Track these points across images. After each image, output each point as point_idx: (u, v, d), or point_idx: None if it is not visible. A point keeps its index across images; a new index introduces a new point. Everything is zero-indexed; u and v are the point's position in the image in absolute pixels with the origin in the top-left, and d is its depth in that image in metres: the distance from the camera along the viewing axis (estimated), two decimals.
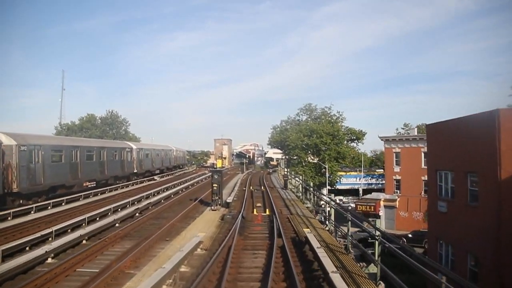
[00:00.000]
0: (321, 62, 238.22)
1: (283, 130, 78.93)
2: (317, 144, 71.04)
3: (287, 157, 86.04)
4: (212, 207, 21.80)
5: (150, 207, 23.88)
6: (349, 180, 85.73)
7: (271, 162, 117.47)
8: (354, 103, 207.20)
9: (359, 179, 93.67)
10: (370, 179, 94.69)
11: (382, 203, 56.76)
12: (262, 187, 34.44)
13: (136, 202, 24.68)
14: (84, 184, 28.63)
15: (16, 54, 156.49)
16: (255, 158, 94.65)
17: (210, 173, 57.73)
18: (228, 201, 23.57)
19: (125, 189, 33.38)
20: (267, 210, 21.63)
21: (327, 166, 65.69)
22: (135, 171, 41.39)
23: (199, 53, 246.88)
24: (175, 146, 68.85)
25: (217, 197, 22.49)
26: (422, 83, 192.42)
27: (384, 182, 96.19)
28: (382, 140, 58.42)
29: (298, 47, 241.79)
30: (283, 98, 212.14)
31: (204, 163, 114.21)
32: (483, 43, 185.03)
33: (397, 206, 55.84)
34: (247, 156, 76.03)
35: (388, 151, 57.24)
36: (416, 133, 55.73)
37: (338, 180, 76.02)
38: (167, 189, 33.69)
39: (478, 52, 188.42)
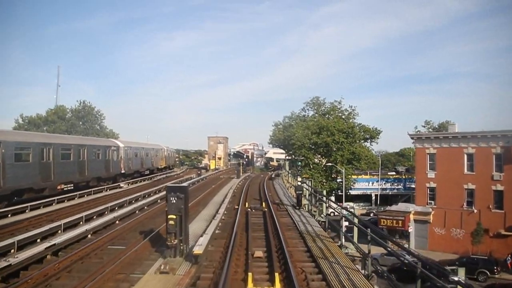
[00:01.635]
0: (320, 62, 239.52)
1: (287, 126, 67.64)
2: (328, 143, 59.84)
3: (290, 157, 74.96)
4: (162, 266, 10.45)
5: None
6: (360, 184, 74.83)
7: (271, 163, 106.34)
8: (353, 103, 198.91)
9: (372, 183, 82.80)
10: (384, 183, 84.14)
11: (412, 216, 45.67)
12: (263, 204, 23.17)
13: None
14: (59, 187, 25.51)
15: (15, 53, 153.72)
16: (254, 158, 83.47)
17: (198, 176, 46.75)
18: (196, 251, 11.80)
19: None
20: (276, 273, 10.11)
21: (343, 170, 54.45)
22: (123, 171, 37.62)
23: (198, 53, 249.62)
24: (166, 145, 62.47)
25: (176, 241, 11.27)
26: (421, 84, 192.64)
27: (399, 187, 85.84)
28: (412, 138, 47.30)
29: (297, 47, 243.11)
30: (283, 98, 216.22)
31: (198, 164, 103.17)
32: (482, 44, 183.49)
33: (430, 221, 44.75)
34: (245, 156, 64.97)
35: (420, 151, 46.06)
36: (456, 130, 44.54)
37: (352, 186, 64.75)
38: (125, 204, 22.98)
39: (478, 53, 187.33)
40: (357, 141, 63.23)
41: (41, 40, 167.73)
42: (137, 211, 21.61)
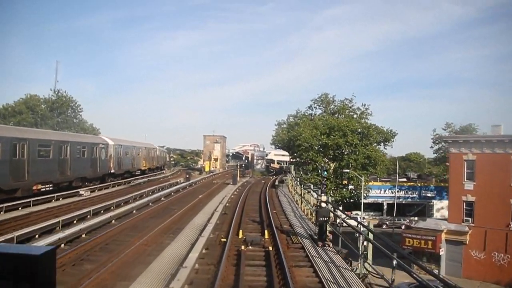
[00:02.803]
0: (321, 64, 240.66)
1: (293, 125, 59.66)
2: (339, 145, 51.85)
3: (295, 160, 67.03)
4: None
5: None
6: (371, 192, 67.03)
7: (272, 165, 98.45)
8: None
9: (384, 191, 74.77)
10: (398, 191, 76.25)
11: (443, 236, 37.64)
12: (266, 233, 15.19)
13: None
14: (34, 188, 23.22)
15: (15, 50, 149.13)
16: (255, 160, 75.50)
17: (186, 181, 38.64)
18: None
19: None
20: None
21: (359, 176, 46.59)
22: (112, 171, 35.49)
23: (199, 52, 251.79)
24: (162, 144, 63.50)
25: None
26: (423, 88, 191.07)
27: (414, 195, 77.86)
28: (445, 142, 39.33)
29: (298, 49, 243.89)
30: (284, 100, 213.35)
31: (194, 165, 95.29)
32: (484, 50, 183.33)
33: (467, 242, 36.70)
34: (243, 157, 57.13)
35: (456, 158, 37.95)
36: (502, 132, 36.38)
37: (366, 194, 56.71)
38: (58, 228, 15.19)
39: (480, 59, 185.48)
40: (372, 144, 55.28)
41: (42, 38, 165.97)
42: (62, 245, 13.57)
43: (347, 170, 49.25)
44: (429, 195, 78.59)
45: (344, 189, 54.80)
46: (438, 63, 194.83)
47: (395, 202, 69.09)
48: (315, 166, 53.69)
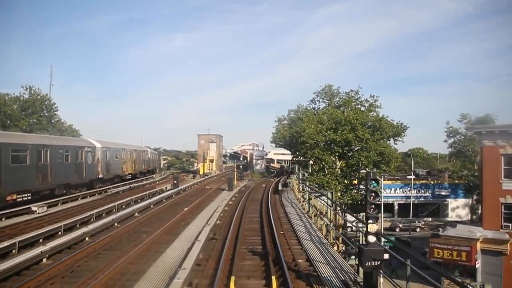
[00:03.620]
0: (319, 63, 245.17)
1: (295, 120, 53.79)
2: (349, 140, 46.05)
3: (297, 159, 61.27)
4: None
5: None
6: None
7: (272, 164, 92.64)
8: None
9: (395, 190, 69.03)
10: (409, 190, 70.61)
11: (479, 245, 31.87)
12: (275, 285, 9.24)
13: None
14: (9, 198, 20.72)
15: (14, 54, 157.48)
16: (254, 160, 69.65)
17: (173, 187, 32.54)
18: None
19: None
20: None
21: (382, 180, 40.79)
22: (100, 176, 33.52)
23: (197, 54, 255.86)
24: (157, 146, 58.65)
25: None
26: (420, 85, 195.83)
27: (427, 194, 72.13)
28: (477, 133, 33.49)
29: (297, 48, 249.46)
30: (283, 99, 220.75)
31: (190, 167, 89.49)
32: (480, 45, 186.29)
33: (507, 253, 30.96)
34: (241, 157, 51.31)
35: (491, 152, 32.08)
36: None
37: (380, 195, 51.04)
38: None
39: (476, 54, 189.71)
40: (385, 139, 49.47)
41: (40, 42, 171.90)
42: None
43: (363, 170, 43.35)
44: (443, 193, 72.80)
45: (355, 191, 49.04)
46: (434, 59, 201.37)
47: (407, 202, 63.37)
48: (321, 165, 47.86)
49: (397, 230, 61.36)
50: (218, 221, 18.26)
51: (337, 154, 49.55)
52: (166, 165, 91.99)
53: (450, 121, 66.03)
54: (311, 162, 63.76)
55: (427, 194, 71.83)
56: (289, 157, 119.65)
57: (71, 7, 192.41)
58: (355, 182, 52.11)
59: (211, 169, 64.83)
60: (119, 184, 36.33)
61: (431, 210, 72.33)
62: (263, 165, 70.73)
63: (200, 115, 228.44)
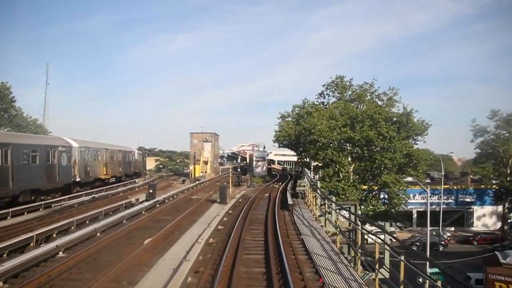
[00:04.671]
0: (319, 64, 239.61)
1: (303, 115, 45.62)
2: (370, 139, 37.95)
3: (305, 160, 53.23)
4: None
5: None
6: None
7: (273, 166, 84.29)
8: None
9: (414, 196, 60.59)
10: (431, 196, 62.43)
11: None
12: None
13: None
14: None
15: (14, 54, 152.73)
16: (254, 162, 61.47)
17: (149, 198, 23.82)
18: None
19: None
20: None
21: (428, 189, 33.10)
22: (77, 179, 29.99)
23: (197, 54, 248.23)
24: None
25: None
26: (421, 87, 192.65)
27: (450, 201, 64.03)
28: None
29: (297, 49, 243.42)
30: (283, 100, 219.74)
31: (184, 168, 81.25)
32: (481, 47, 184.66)
33: None
34: (238, 158, 43.30)
35: None
36: None
37: (404, 205, 42.71)
38: None
39: (476, 56, 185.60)
40: (411, 137, 41.30)
41: (40, 41, 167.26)
42: None
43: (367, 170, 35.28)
44: (467, 200, 64.71)
45: (375, 200, 40.85)
46: (434, 61, 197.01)
47: (426, 209, 55.25)
48: (335, 168, 39.69)
49: (419, 243, 53.28)
50: (189, 279, 10.03)
51: (354, 155, 41.48)
52: (158, 166, 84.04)
53: (477, 118, 57.62)
54: (314, 163, 55.83)
55: (450, 200, 63.80)
56: (292, 158, 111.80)
57: (70, 6, 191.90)
58: (374, 186, 43.94)
59: (205, 172, 56.65)
60: (80, 193, 28.24)
61: (454, 219, 64.37)
62: (264, 168, 62.47)
63: (198, 115, 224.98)
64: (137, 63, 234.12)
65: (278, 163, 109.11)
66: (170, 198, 27.80)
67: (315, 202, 23.18)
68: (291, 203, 22.16)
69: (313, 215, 21.59)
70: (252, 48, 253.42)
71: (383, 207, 39.38)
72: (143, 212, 21.31)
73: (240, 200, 26.93)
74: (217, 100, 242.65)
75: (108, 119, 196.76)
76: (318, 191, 22.70)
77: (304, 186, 29.80)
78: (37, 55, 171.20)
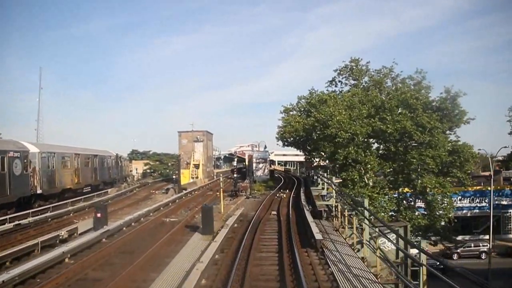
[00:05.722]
0: (318, 62, 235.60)
1: (314, 104, 36.49)
2: (408, 131, 28.93)
3: (317, 161, 44.59)
4: None
5: None
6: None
7: (273, 167, 75.17)
8: None
9: (457, 199, 51.32)
10: (460, 199, 54.26)
11: None
12: None
13: None
14: None
15: (11, 58, 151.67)
16: (254, 164, 52.44)
17: (95, 227, 15.29)
18: None
19: None
20: None
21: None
22: (38, 191, 26.01)
23: (196, 56, 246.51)
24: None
25: None
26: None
27: (483, 204, 55.14)
28: None
29: (294, 48, 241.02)
30: (283, 100, 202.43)
31: (175, 173, 72.05)
32: (478, 42, 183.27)
33: None
34: (235, 160, 34.68)
35: None
36: None
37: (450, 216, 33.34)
38: None
39: (474, 51, 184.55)
40: (455, 129, 32.25)
41: (38, 46, 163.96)
42: None
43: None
44: (504, 202, 55.82)
45: (410, 211, 31.74)
46: (431, 57, 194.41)
47: (456, 214, 46.32)
48: (361, 171, 30.64)
49: (455, 257, 44.39)
50: None
51: (382, 153, 32.52)
52: (145, 171, 74.98)
53: None
54: (318, 163, 47.09)
55: (483, 204, 54.86)
56: (295, 158, 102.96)
57: (68, 11, 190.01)
58: (405, 190, 34.83)
59: (196, 177, 47.64)
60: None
61: (488, 225, 55.49)
62: (266, 170, 53.42)
63: (197, 117, 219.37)
64: (135, 66, 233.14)
65: (278, 164, 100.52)
66: (133, 223, 18.78)
67: (350, 224, 14.42)
68: (319, 238, 13.14)
69: (355, 251, 12.80)
70: (251, 48, 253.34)
71: (423, 220, 30.27)
72: (67, 260, 12.29)
73: (236, 224, 17.85)
74: (215, 102, 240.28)
75: (104, 123, 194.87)
76: (366, 213, 13.62)
77: (326, 198, 20.84)
78: (33, 60, 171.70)
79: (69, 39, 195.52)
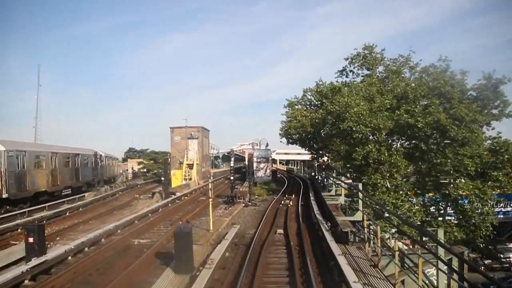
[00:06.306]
0: (318, 62, 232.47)
1: (325, 94, 31.25)
2: (441, 126, 23.70)
3: (329, 160, 39.55)
4: None
5: None
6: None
7: (274, 166, 70.05)
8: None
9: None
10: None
11: None
12: None
13: None
14: None
15: (11, 58, 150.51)
16: (255, 164, 47.20)
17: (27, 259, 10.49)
18: None
19: None
20: None
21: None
22: (4, 195, 23.23)
23: (196, 55, 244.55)
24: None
25: None
26: None
27: (509, 209, 49.93)
28: None
29: (295, 47, 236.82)
30: (283, 99, 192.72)
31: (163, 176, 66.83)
32: (477, 41, 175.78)
33: None
34: (232, 160, 30.16)
35: None
36: None
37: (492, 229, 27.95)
38: None
39: (472, 50, 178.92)
40: (488, 123, 26.93)
41: (38, 45, 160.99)
42: None
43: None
44: None
45: (443, 222, 26.51)
46: (431, 56, 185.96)
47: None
48: (386, 173, 25.39)
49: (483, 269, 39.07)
50: None
51: (407, 152, 27.23)
52: (134, 172, 69.85)
53: None
54: (327, 162, 42.13)
55: (508, 208, 49.54)
56: (297, 157, 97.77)
57: (69, 11, 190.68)
58: (430, 194, 29.52)
59: (189, 178, 42.57)
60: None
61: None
62: (268, 171, 48.33)
63: (197, 116, 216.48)
64: (135, 65, 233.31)
65: (280, 163, 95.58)
66: (86, 248, 13.60)
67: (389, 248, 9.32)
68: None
69: None
70: (251, 47, 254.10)
71: (459, 234, 25.01)
72: None
73: (228, 253, 12.61)
74: (215, 100, 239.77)
75: (103, 122, 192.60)
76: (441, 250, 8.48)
77: (356, 214, 15.68)
78: (34, 59, 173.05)
79: (69, 39, 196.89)
